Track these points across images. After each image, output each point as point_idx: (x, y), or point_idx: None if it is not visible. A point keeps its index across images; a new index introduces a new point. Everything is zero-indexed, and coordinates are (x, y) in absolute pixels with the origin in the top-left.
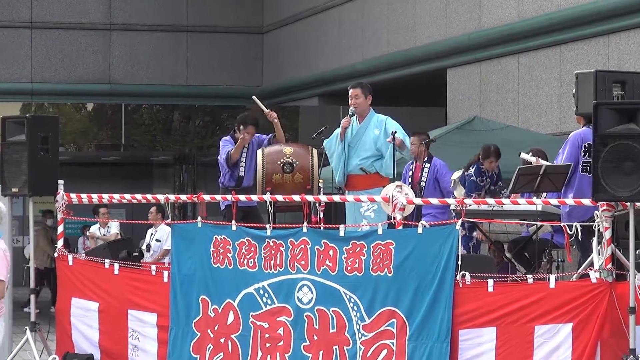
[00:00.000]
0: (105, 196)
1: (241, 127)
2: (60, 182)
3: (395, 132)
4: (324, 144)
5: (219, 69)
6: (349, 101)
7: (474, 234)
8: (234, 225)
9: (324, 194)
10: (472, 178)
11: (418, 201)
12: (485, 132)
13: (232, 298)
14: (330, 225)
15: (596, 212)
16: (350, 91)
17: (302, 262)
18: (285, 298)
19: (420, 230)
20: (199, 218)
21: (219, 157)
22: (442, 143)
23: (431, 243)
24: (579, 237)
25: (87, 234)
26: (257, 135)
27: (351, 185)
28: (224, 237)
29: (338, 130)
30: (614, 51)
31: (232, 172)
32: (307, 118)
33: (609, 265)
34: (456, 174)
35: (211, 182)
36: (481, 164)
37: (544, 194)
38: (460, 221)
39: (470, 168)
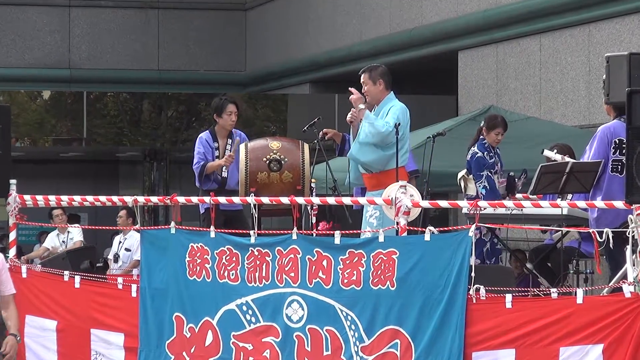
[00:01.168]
0: (65, 198)
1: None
2: (13, 181)
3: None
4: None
5: (195, 51)
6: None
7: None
8: (212, 231)
9: (316, 195)
10: (477, 155)
11: (425, 204)
12: None
13: (211, 316)
14: (322, 232)
15: (630, 216)
16: (361, 78)
17: (292, 274)
18: (272, 316)
19: (427, 237)
20: (173, 223)
21: (192, 165)
22: (453, 137)
23: (440, 252)
24: (610, 246)
25: (45, 250)
26: (238, 131)
27: (367, 186)
28: (201, 246)
29: None
30: None
31: (209, 175)
32: (297, 108)
33: None
34: (461, 173)
35: (186, 182)
36: (484, 138)
37: (570, 196)
38: (473, 227)
39: (473, 147)
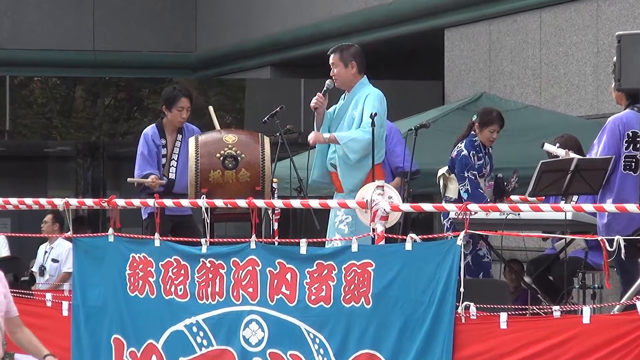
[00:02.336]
0: None
1: (170, 108)
2: None
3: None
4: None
5: (137, 29)
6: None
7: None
8: (157, 239)
9: (278, 197)
10: (462, 153)
11: (406, 207)
12: None
13: (156, 338)
14: (287, 240)
15: None
16: (329, 58)
17: (250, 290)
18: (226, 338)
19: (408, 246)
20: (111, 230)
21: (135, 168)
22: (438, 129)
23: (424, 263)
24: (622, 256)
25: None
26: (190, 125)
27: (335, 187)
28: (144, 256)
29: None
30: None
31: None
32: (257, 95)
33: None
34: (442, 170)
35: (127, 182)
36: (475, 135)
37: (575, 198)
38: (462, 234)
39: (460, 143)
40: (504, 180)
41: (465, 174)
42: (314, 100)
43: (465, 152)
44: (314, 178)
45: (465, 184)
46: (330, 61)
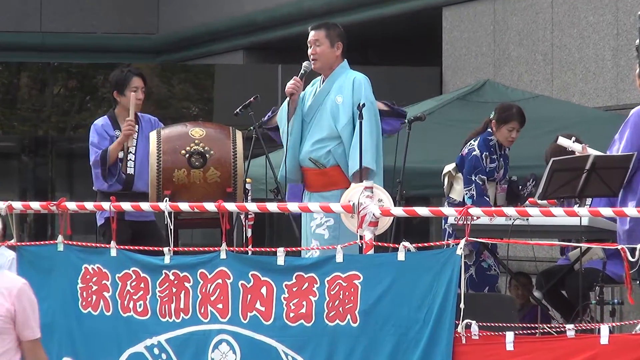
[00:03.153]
0: None
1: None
2: None
3: (364, 104)
4: (277, 117)
5: (91, 7)
6: (308, 50)
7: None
8: (114, 248)
9: (252, 200)
10: (474, 152)
11: (398, 211)
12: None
13: None
14: (262, 249)
15: None
16: (309, 34)
17: (220, 306)
18: None
19: (401, 256)
20: (60, 237)
21: (90, 159)
22: (435, 122)
23: (419, 276)
24: None
25: None
26: (146, 115)
27: (306, 184)
28: (98, 267)
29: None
30: None
31: (111, 170)
32: (228, 83)
33: None
34: (448, 167)
35: (79, 181)
36: (491, 134)
37: (588, 201)
38: (463, 242)
39: (473, 141)
40: (518, 184)
41: (473, 178)
42: (290, 85)
43: (477, 152)
44: (283, 174)
45: (471, 189)
46: (313, 38)
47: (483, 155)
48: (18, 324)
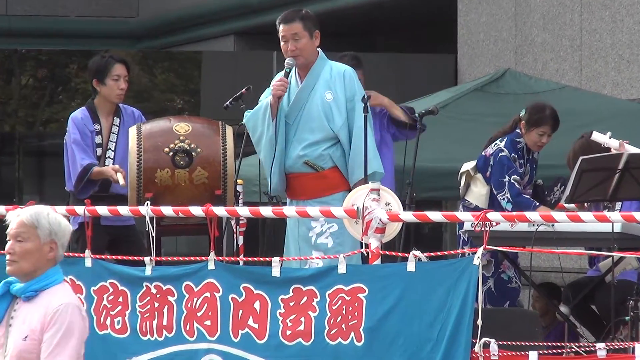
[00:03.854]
0: None
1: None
2: None
3: (369, 96)
4: (244, 119)
5: None
6: (282, 46)
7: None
8: (89, 257)
9: (244, 203)
10: (502, 154)
11: (408, 216)
12: (524, 95)
13: None
14: (255, 259)
15: None
16: (281, 29)
17: (208, 323)
18: None
19: (411, 266)
20: None
21: (65, 160)
22: (450, 116)
23: (431, 289)
24: None
25: None
26: (129, 107)
27: (294, 192)
28: (71, 279)
29: (266, 96)
30: None
31: (87, 187)
32: (217, 72)
33: None
34: (467, 165)
35: (50, 182)
36: (520, 135)
37: (618, 205)
38: (480, 251)
39: (499, 141)
40: (543, 188)
41: (506, 179)
42: (277, 84)
43: (505, 152)
44: (274, 186)
45: (504, 192)
46: (289, 32)
47: (512, 156)
48: (42, 350)
